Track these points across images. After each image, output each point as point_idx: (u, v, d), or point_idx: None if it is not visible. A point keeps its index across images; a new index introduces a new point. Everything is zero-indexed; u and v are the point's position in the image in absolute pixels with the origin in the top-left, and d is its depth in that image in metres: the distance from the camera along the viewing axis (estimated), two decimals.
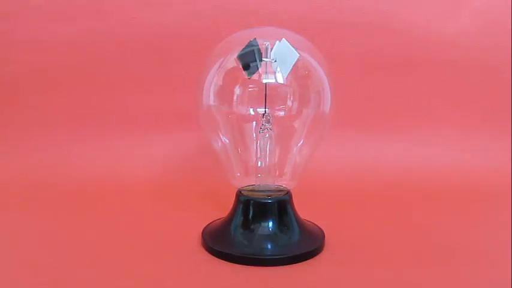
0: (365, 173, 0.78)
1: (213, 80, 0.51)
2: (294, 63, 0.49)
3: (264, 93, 0.49)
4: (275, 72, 0.49)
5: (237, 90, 0.50)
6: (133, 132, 0.81)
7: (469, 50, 0.83)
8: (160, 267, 0.47)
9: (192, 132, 0.78)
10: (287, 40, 0.49)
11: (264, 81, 0.49)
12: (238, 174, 0.53)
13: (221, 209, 0.56)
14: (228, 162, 0.53)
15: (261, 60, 0.49)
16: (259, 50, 0.49)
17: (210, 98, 0.51)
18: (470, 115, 0.84)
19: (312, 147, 0.53)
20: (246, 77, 0.49)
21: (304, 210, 0.54)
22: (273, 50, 0.49)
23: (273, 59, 0.49)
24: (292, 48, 0.49)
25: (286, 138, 0.52)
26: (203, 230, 0.53)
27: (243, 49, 0.49)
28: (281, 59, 0.49)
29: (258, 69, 0.49)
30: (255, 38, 0.49)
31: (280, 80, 0.49)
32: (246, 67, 0.49)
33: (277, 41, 0.49)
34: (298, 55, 0.49)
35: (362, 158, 0.81)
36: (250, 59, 0.49)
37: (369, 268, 0.48)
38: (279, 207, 0.51)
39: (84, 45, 0.82)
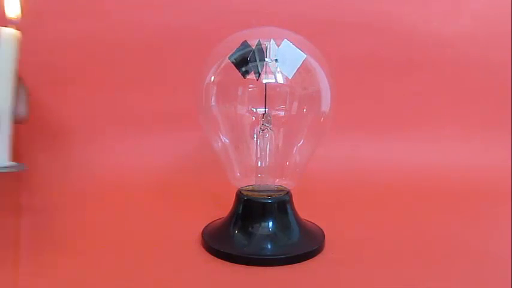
0: (365, 173, 0.78)
1: (213, 80, 0.51)
2: (300, 63, 0.49)
3: (264, 93, 0.49)
4: (275, 72, 0.49)
5: (237, 90, 0.50)
6: (133, 132, 0.81)
7: (469, 50, 0.83)
8: (160, 267, 0.47)
9: (192, 132, 0.78)
10: (289, 41, 0.49)
11: (264, 81, 0.49)
12: (238, 174, 0.53)
13: (221, 209, 0.56)
14: (228, 162, 0.53)
15: (261, 60, 0.49)
16: (256, 50, 0.49)
17: (210, 98, 0.51)
18: (471, 115, 0.84)
19: (312, 147, 0.53)
20: (244, 77, 0.49)
21: (304, 210, 0.54)
22: (275, 50, 0.49)
23: (273, 59, 0.49)
24: (297, 48, 0.49)
25: (286, 138, 0.52)
26: (203, 230, 0.53)
27: (237, 51, 0.49)
28: (286, 60, 0.48)
29: (255, 70, 0.49)
30: (245, 40, 0.49)
31: (280, 80, 0.49)
32: (241, 68, 0.49)
33: (282, 41, 0.49)
34: (305, 55, 0.49)
35: (362, 158, 0.81)
36: (246, 61, 0.49)
37: (369, 268, 0.48)
38: (279, 207, 0.51)
39: (84, 45, 0.82)
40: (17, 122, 0.49)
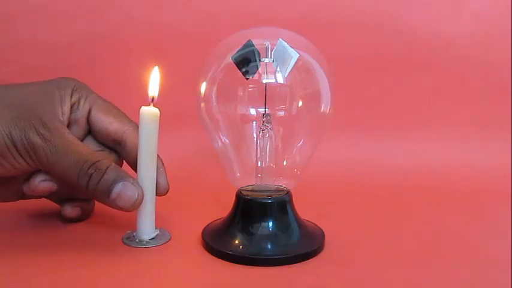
0: (365, 173, 0.78)
1: (213, 80, 0.51)
2: (294, 63, 0.49)
3: (264, 93, 0.49)
4: (275, 72, 0.49)
5: (237, 90, 0.50)
6: None
7: (469, 50, 0.83)
8: (160, 267, 0.47)
9: (192, 132, 0.78)
10: (284, 40, 0.49)
11: (264, 81, 0.49)
12: (238, 174, 0.53)
13: (221, 209, 0.56)
14: (228, 162, 0.53)
15: (259, 60, 0.49)
16: (256, 50, 0.49)
17: (210, 98, 0.51)
18: (471, 115, 0.84)
19: (312, 147, 0.53)
20: (245, 78, 0.49)
21: (304, 210, 0.54)
22: (274, 50, 0.49)
23: (273, 59, 0.49)
24: (290, 48, 0.49)
25: (286, 138, 0.52)
26: (203, 230, 0.53)
27: (239, 50, 0.49)
28: (280, 59, 0.49)
29: (256, 69, 0.49)
30: (250, 40, 0.49)
31: (280, 80, 0.49)
32: (243, 68, 0.49)
33: (278, 41, 0.49)
34: (298, 55, 0.49)
35: (362, 158, 0.81)
36: (247, 60, 0.49)
37: (369, 268, 0.48)
38: (279, 207, 0.51)
39: (84, 45, 0.82)
40: (160, 194, 0.53)
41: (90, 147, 0.53)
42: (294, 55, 0.49)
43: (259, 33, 0.51)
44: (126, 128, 0.54)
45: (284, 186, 0.53)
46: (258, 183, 0.53)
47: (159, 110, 0.51)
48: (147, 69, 0.54)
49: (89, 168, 0.47)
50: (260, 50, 0.49)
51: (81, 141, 0.53)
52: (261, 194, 0.52)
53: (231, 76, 0.50)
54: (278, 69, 0.49)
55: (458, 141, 0.83)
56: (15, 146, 0.47)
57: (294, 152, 0.53)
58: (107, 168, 0.48)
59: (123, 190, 0.47)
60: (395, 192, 0.72)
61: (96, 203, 0.59)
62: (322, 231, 0.53)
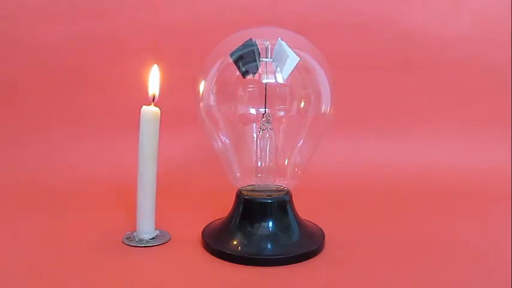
0: (365, 173, 0.78)
1: (212, 80, 0.51)
2: (293, 66, 0.49)
3: (264, 93, 0.49)
4: (275, 72, 0.49)
5: (237, 90, 0.50)
6: (133, 132, 0.81)
7: (469, 50, 0.83)
8: (160, 267, 0.47)
9: (192, 132, 0.78)
10: (285, 42, 0.49)
11: (264, 81, 0.49)
12: (238, 174, 0.53)
13: (221, 209, 0.56)
14: (228, 162, 0.53)
15: (259, 60, 0.49)
16: (257, 50, 0.49)
17: (210, 98, 0.51)
18: (470, 115, 0.84)
19: (312, 147, 0.53)
20: (243, 77, 0.49)
21: (304, 210, 0.54)
22: (274, 51, 0.49)
23: (272, 59, 0.49)
24: (291, 51, 0.48)
25: (286, 138, 0.52)
26: (203, 230, 0.53)
27: (239, 49, 0.49)
28: (280, 61, 0.48)
29: (256, 69, 0.49)
30: (251, 38, 0.49)
31: (280, 80, 0.49)
32: (242, 68, 0.49)
33: (278, 41, 0.49)
34: (298, 59, 0.49)
35: (362, 158, 0.81)
36: (247, 60, 0.49)
37: (369, 268, 0.48)
38: (279, 207, 0.51)
39: (84, 46, 0.82)
40: None
41: None
42: (293, 57, 0.48)
43: (259, 33, 0.51)
44: None
45: (284, 186, 0.53)
46: (258, 183, 0.53)
47: (160, 109, 0.51)
48: (147, 69, 0.54)
49: None
50: (260, 50, 0.49)
51: None
52: (261, 194, 0.52)
53: (231, 76, 0.50)
54: (278, 69, 0.49)
55: (459, 142, 0.83)
56: None
57: (294, 152, 0.53)
58: None
59: None
60: (395, 192, 0.72)
61: (96, 201, 0.59)
62: (322, 231, 0.53)
